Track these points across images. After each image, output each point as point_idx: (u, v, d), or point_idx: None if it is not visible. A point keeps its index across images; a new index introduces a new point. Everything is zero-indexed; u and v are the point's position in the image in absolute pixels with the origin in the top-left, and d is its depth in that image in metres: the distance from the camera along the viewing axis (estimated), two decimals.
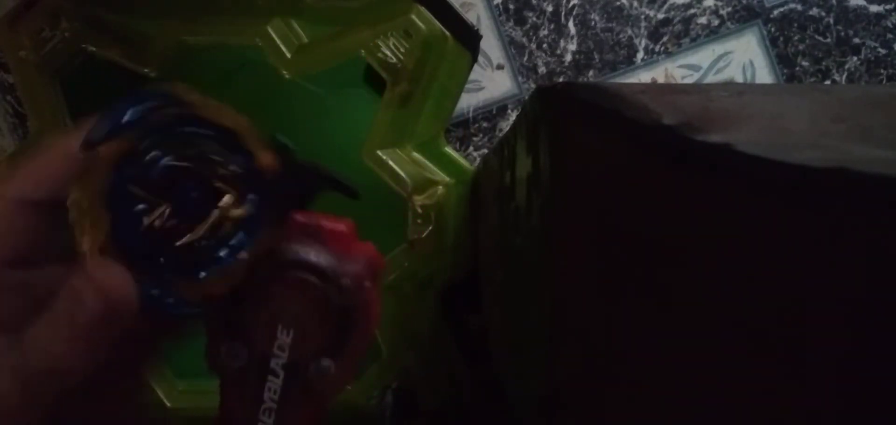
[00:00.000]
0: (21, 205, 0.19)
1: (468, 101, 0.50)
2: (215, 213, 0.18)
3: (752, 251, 0.15)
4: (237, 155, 0.18)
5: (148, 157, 0.18)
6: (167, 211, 0.18)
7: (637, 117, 0.18)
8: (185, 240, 0.18)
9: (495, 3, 0.50)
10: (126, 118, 0.18)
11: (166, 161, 0.18)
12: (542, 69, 0.51)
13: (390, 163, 0.45)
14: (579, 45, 0.50)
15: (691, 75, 0.51)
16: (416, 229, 0.46)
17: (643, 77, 0.51)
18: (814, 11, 0.50)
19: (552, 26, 0.50)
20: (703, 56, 0.50)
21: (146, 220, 0.18)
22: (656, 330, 0.18)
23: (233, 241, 0.18)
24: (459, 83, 0.46)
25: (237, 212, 0.18)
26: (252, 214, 0.18)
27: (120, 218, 0.18)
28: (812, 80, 0.51)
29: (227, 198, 0.18)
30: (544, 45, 0.50)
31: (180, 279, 0.18)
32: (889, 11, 0.50)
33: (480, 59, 0.49)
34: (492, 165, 0.41)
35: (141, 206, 0.18)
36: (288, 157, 0.18)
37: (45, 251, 0.19)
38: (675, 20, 0.50)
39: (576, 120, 0.22)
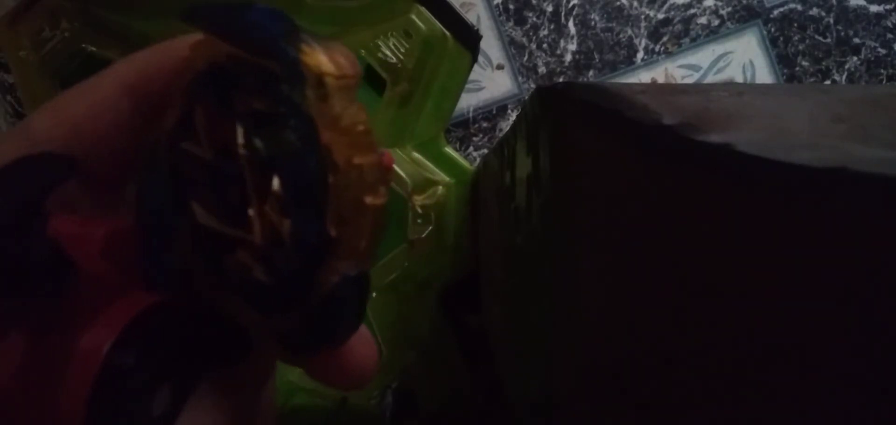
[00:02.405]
0: (126, 90, 0.15)
1: (468, 101, 0.50)
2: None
3: (753, 251, 0.15)
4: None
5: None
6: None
7: (637, 117, 0.18)
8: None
9: (495, 3, 0.50)
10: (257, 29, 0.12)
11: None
12: (542, 69, 0.50)
13: None
14: (579, 45, 0.50)
15: (691, 75, 0.51)
16: (416, 229, 0.46)
17: (643, 77, 0.51)
18: (814, 11, 0.50)
19: (552, 26, 0.50)
20: (703, 56, 0.50)
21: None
22: (656, 330, 0.18)
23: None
24: (459, 83, 0.46)
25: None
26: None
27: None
28: (812, 80, 0.51)
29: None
30: (544, 45, 0.50)
31: None
32: (889, 11, 0.50)
33: (480, 59, 0.49)
34: (492, 165, 0.41)
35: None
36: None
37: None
38: (675, 20, 0.50)
39: (576, 120, 0.22)
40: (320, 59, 0.12)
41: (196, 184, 0.12)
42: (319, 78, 0.12)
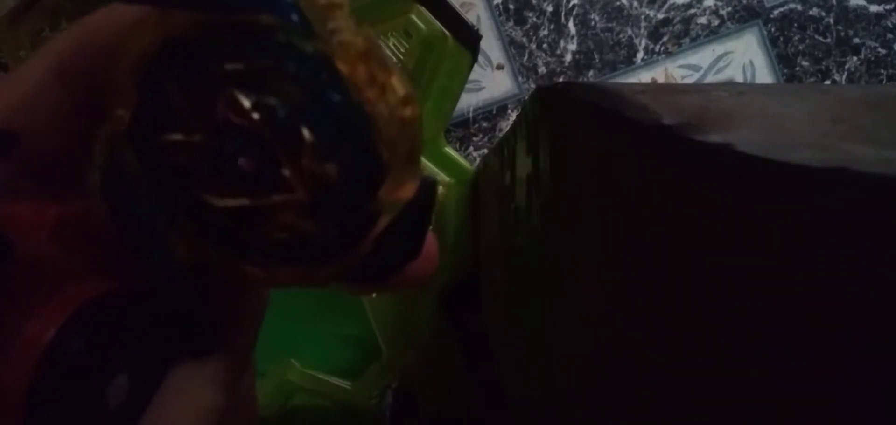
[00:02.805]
0: (58, 74, 0.13)
1: (468, 101, 0.50)
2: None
3: (752, 251, 0.15)
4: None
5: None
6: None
7: (637, 117, 0.18)
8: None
9: (495, 3, 0.50)
10: None
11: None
12: (542, 69, 0.50)
13: None
14: (579, 45, 0.50)
15: (691, 75, 0.51)
16: None
17: (643, 77, 0.51)
18: (814, 11, 0.50)
19: (552, 26, 0.50)
20: (703, 56, 0.50)
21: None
22: (656, 330, 0.18)
23: None
24: (459, 83, 0.46)
25: None
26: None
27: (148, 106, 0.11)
28: (812, 80, 0.51)
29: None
30: (544, 45, 0.50)
31: None
32: (889, 11, 0.50)
33: (480, 58, 0.49)
34: (492, 165, 0.41)
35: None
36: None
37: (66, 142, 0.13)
38: (675, 20, 0.50)
39: (576, 120, 0.22)
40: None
41: (192, 173, 0.11)
42: (317, 11, 0.11)
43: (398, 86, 0.12)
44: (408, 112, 0.12)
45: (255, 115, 0.11)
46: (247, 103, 0.11)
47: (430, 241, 0.15)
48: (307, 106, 0.11)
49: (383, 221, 0.12)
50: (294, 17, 0.11)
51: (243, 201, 0.11)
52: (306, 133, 0.11)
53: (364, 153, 0.11)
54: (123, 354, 0.13)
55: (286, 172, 0.11)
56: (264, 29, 0.11)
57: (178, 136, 0.11)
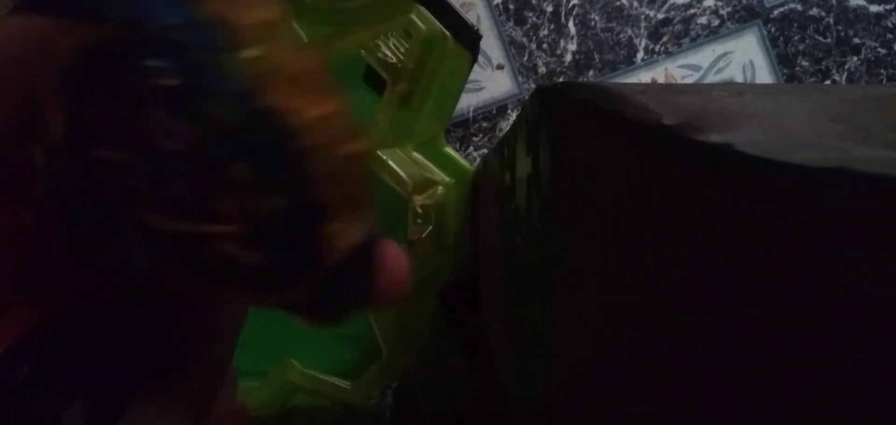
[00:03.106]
0: None
1: (468, 101, 0.50)
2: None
3: (752, 251, 0.15)
4: None
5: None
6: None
7: (637, 117, 0.18)
8: None
9: (495, 3, 0.50)
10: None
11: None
12: (542, 69, 0.51)
13: (390, 163, 0.45)
14: (579, 45, 0.50)
15: (691, 75, 0.51)
16: (416, 229, 0.46)
17: (643, 77, 0.51)
18: (814, 11, 0.50)
19: (552, 26, 0.50)
20: (703, 56, 0.50)
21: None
22: (656, 331, 0.18)
23: None
24: (459, 83, 0.46)
25: None
26: None
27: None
28: (812, 80, 0.51)
29: None
30: (544, 45, 0.50)
31: None
32: (889, 11, 0.50)
33: (480, 58, 0.49)
34: (492, 165, 0.41)
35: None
36: None
37: None
38: (675, 20, 0.50)
39: (576, 120, 0.22)
40: (223, 7, 0.10)
41: (135, 192, 0.10)
42: (233, 30, 0.10)
43: (336, 121, 0.11)
44: (352, 147, 0.11)
45: (182, 143, 0.10)
46: (173, 127, 0.10)
47: (401, 261, 0.14)
48: (236, 134, 0.10)
49: (335, 258, 0.11)
50: (214, 36, 0.10)
51: (181, 226, 0.10)
52: (235, 164, 0.10)
53: (296, 189, 0.10)
54: (79, 378, 0.12)
55: (219, 203, 0.10)
56: (183, 45, 0.10)
57: (109, 154, 0.10)
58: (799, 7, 0.50)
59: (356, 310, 0.13)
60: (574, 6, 0.50)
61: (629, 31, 0.50)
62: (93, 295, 0.12)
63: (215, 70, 0.10)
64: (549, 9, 0.50)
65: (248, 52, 0.10)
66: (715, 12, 0.50)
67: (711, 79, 0.51)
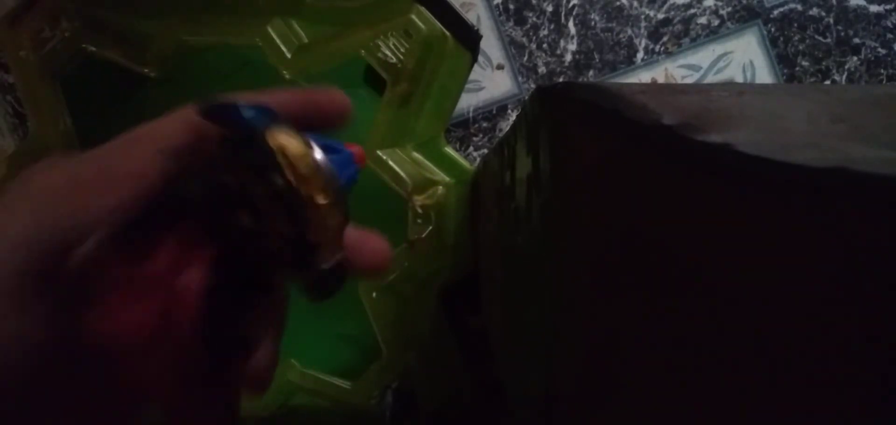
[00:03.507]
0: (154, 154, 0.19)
1: (468, 101, 0.50)
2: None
3: (752, 251, 0.15)
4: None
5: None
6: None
7: (637, 117, 0.18)
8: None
9: (495, 3, 0.50)
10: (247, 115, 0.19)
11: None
12: (542, 69, 0.51)
13: (390, 163, 0.45)
14: (579, 45, 0.50)
15: (691, 75, 0.51)
16: (416, 229, 0.46)
17: (643, 77, 0.51)
18: (814, 11, 0.50)
19: (552, 26, 0.50)
20: (703, 56, 0.50)
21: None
22: (656, 331, 0.18)
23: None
24: (459, 83, 0.46)
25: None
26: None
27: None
28: (812, 80, 0.51)
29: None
30: (544, 45, 0.50)
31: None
32: (889, 11, 0.50)
33: (480, 58, 0.49)
34: (492, 165, 0.41)
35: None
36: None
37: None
38: (675, 20, 0.50)
39: (576, 120, 0.22)
40: (281, 141, 0.18)
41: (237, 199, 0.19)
42: (282, 155, 0.18)
43: (328, 212, 0.19)
44: (332, 220, 0.19)
45: (261, 193, 0.18)
46: (261, 189, 0.18)
47: (379, 243, 0.22)
48: (280, 204, 0.18)
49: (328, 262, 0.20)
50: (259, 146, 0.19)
51: (252, 224, 0.19)
52: (279, 214, 0.19)
53: (299, 235, 0.19)
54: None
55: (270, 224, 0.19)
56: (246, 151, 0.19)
57: (231, 180, 0.19)
58: (799, 7, 0.50)
59: (331, 296, 0.20)
60: (574, 6, 0.50)
61: (629, 31, 0.50)
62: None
63: (275, 171, 0.19)
64: (549, 9, 0.50)
65: (295, 171, 0.19)
66: (715, 12, 0.50)
67: (711, 79, 0.51)
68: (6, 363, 0.17)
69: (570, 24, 0.50)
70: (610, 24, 0.50)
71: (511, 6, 0.50)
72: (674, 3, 0.50)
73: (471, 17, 0.50)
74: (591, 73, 0.51)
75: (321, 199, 0.19)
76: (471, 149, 0.51)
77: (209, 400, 0.20)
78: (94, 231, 0.18)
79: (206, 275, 0.18)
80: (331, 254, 0.19)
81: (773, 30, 0.50)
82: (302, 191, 0.18)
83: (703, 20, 0.50)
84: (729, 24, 0.50)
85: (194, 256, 0.19)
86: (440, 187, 0.46)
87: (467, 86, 0.48)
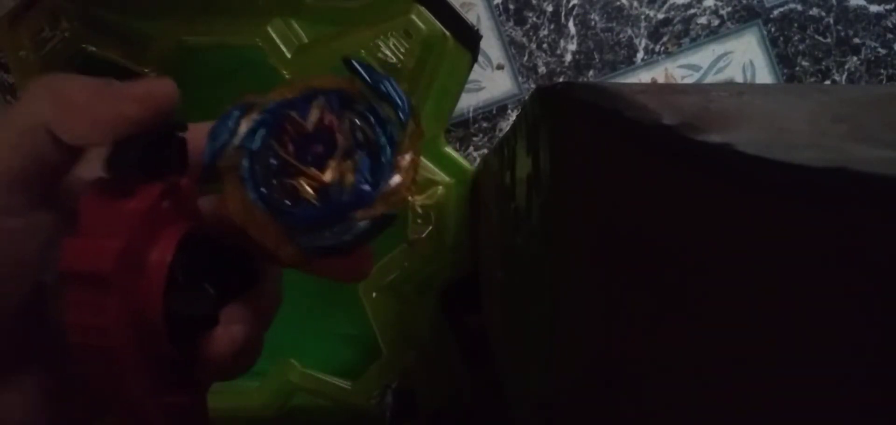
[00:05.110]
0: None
1: (468, 101, 0.50)
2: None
3: (752, 251, 0.15)
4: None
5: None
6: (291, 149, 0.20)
7: (637, 117, 0.18)
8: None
9: (495, 3, 0.50)
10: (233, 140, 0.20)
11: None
12: (542, 69, 0.51)
13: None
14: (579, 45, 0.50)
15: (691, 75, 0.51)
16: (416, 229, 0.46)
17: (643, 77, 0.51)
18: (814, 11, 0.50)
19: (552, 26, 0.50)
20: (703, 56, 0.50)
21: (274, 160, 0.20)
22: (656, 331, 0.18)
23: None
24: (459, 83, 0.46)
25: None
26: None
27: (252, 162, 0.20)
28: (812, 80, 0.51)
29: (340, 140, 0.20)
30: (544, 45, 0.50)
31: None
32: (889, 11, 0.50)
33: (480, 58, 0.49)
34: (492, 165, 0.41)
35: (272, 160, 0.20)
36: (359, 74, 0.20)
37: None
38: (675, 20, 0.50)
39: (576, 120, 0.22)
40: (412, 126, 0.20)
41: (288, 135, 0.20)
42: (410, 133, 0.20)
43: (411, 182, 0.20)
44: (406, 194, 0.20)
45: (351, 130, 0.20)
46: (357, 122, 0.20)
47: (368, 256, 0.22)
48: (374, 150, 0.20)
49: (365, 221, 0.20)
50: (401, 115, 0.20)
51: (291, 159, 0.20)
52: (359, 156, 0.20)
53: (373, 189, 0.19)
54: (209, 269, 0.20)
55: (331, 162, 0.20)
56: (376, 112, 0.20)
57: (298, 119, 0.20)
58: (799, 7, 0.50)
59: (346, 255, 0.20)
60: (574, 6, 0.50)
61: (629, 31, 0.50)
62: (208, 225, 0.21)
63: (390, 131, 0.20)
64: (549, 9, 0.50)
65: (403, 138, 0.20)
66: (715, 12, 0.50)
67: (711, 79, 0.51)
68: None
69: (570, 24, 0.50)
70: (610, 24, 0.50)
71: (511, 6, 0.50)
72: (674, 3, 0.50)
73: (471, 17, 0.50)
74: (591, 73, 0.51)
75: (407, 180, 0.19)
76: (471, 149, 0.51)
77: (173, 383, 0.20)
78: (95, 147, 0.19)
79: (175, 252, 0.19)
80: (370, 216, 0.19)
81: (773, 30, 0.50)
82: (400, 163, 0.19)
83: (703, 20, 0.50)
84: (729, 24, 0.50)
85: (166, 231, 0.19)
86: (440, 187, 0.46)
87: (467, 86, 0.48)
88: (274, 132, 0.20)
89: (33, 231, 0.18)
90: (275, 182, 0.20)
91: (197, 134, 0.20)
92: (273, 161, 0.20)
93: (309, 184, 0.19)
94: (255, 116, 0.20)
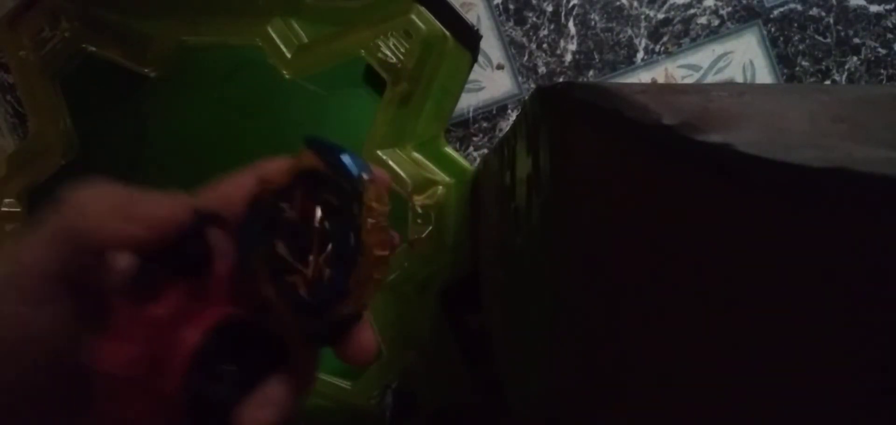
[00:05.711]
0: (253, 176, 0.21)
1: (468, 101, 0.50)
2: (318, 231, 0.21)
3: (752, 251, 0.15)
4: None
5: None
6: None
7: (637, 117, 0.18)
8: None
9: (495, 3, 0.50)
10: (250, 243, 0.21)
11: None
12: (542, 69, 0.51)
13: (390, 163, 0.45)
14: (579, 45, 0.50)
15: (691, 75, 0.51)
16: (416, 229, 0.46)
17: (643, 77, 0.51)
18: (814, 11, 0.50)
19: (552, 26, 0.50)
20: (703, 56, 0.50)
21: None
22: (656, 330, 0.18)
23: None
24: (459, 83, 0.46)
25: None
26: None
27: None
28: (812, 80, 0.51)
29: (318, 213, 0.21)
30: (544, 45, 0.50)
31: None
32: (889, 11, 0.50)
33: (480, 58, 0.49)
34: (492, 165, 0.41)
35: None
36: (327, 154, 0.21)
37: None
38: (675, 20, 0.50)
39: (576, 120, 0.22)
40: (372, 195, 0.20)
41: (282, 230, 0.21)
42: (368, 205, 0.20)
43: (382, 261, 0.20)
44: (378, 276, 0.20)
45: (318, 224, 0.20)
46: (319, 216, 0.20)
47: (370, 339, 0.22)
48: (339, 239, 0.20)
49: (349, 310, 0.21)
50: (359, 197, 0.20)
51: (286, 255, 0.20)
52: (330, 248, 0.20)
53: (344, 280, 0.20)
54: (236, 352, 0.21)
55: (311, 258, 0.20)
56: (345, 191, 0.20)
57: (288, 210, 0.21)
58: (799, 7, 0.50)
59: (337, 343, 0.22)
60: (574, 6, 0.50)
61: (629, 31, 0.50)
62: (245, 309, 0.22)
63: (351, 211, 0.20)
64: (549, 9, 0.50)
65: (368, 213, 0.20)
66: (715, 12, 0.50)
67: (711, 79, 0.51)
68: (17, 350, 0.19)
69: (570, 24, 0.50)
70: (610, 24, 0.50)
71: (511, 6, 0.50)
72: (674, 3, 0.50)
73: (471, 17, 0.50)
74: (591, 73, 0.51)
75: (379, 252, 0.20)
76: (471, 149, 0.51)
77: None
78: (117, 254, 0.21)
79: (203, 336, 0.20)
80: (354, 304, 0.20)
81: (773, 30, 0.50)
82: (368, 239, 0.20)
83: (703, 20, 0.50)
84: (729, 24, 0.50)
85: (199, 315, 0.21)
86: (440, 187, 0.46)
87: (467, 86, 0.48)
88: (273, 230, 0.21)
89: (65, 317, 0.20)
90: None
91: (232, 188, 0.22)
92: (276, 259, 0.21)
93: (302, 280, 0.20)
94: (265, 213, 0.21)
